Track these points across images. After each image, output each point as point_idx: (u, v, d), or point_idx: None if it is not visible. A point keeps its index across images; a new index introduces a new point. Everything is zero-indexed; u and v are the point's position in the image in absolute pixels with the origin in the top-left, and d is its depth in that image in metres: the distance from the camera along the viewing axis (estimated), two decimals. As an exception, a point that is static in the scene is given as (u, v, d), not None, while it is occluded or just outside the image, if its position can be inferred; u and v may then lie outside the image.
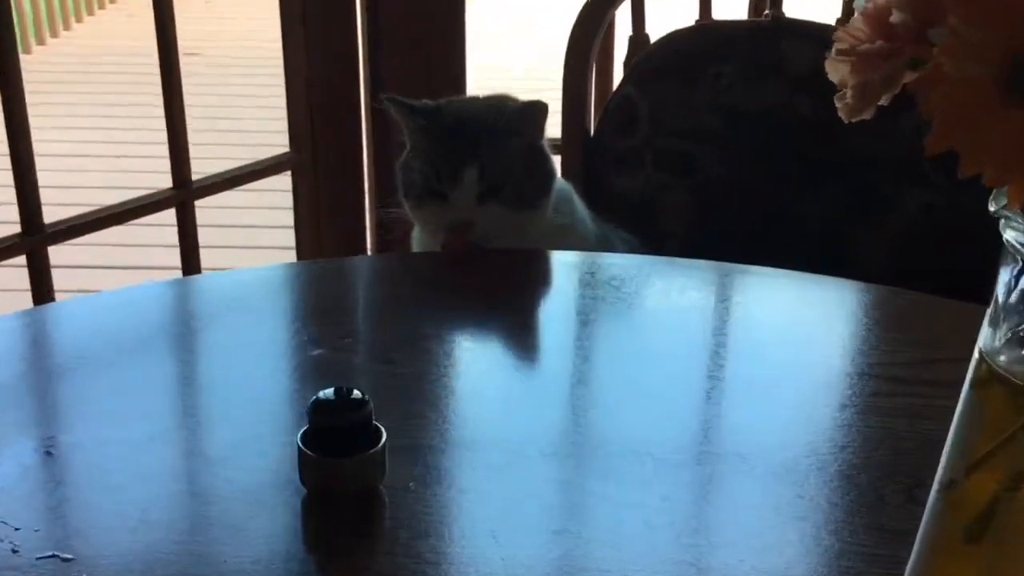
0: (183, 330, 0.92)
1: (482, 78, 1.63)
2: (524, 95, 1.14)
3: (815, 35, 1.38)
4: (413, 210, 1.12)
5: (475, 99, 1.18)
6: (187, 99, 1.64)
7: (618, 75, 1.60)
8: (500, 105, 1.13)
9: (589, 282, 1.02)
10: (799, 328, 0.94)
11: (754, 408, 0.81)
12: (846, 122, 0.48)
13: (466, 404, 0.82)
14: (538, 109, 1.11)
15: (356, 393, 0.71)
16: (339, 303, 0.99)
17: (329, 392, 0.71)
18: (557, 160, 1.26)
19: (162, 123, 1.62)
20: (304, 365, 0.85)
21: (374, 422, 0.70)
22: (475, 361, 0.90)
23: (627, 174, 1.43)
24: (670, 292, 1.01)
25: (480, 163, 1.09)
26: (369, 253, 1.95)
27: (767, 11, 1.42)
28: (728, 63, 1.39)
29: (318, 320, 0.93)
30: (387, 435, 0.69)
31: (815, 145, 1.38)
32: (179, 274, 1.67)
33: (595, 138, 1.45)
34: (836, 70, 0.48)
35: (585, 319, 0.96)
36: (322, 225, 1.89)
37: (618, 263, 1.06)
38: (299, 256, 1.92)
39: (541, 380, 0.86)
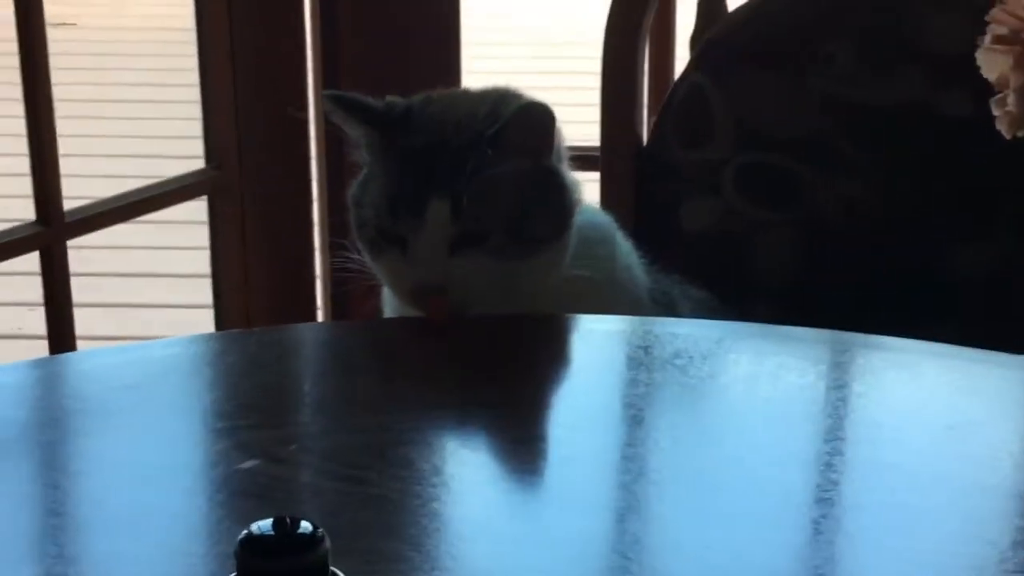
0: (52, 436, 0.94)
1: (487, 69, 1.65)
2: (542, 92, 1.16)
3: (965, 3, 1.40)
4: (371, 259, 1.13)
5: (462, 95, 1.19)
6: (57, 91, 1.67)
7: (681, 58, 1.62)
8: (493, 107, 1.13)
9: (642, 361, 1.03)
10: (954, 430, 0.95)
11: (886, 546, 0.82)
12: (1007, 137, 0.50)
13: (464, 542, 0.83)
14: (538, 113, 1.11)
15: (305, 525, 0.72)
16: (279, 393, 1.01)
17: (266, 524, 0.72)
18: (589, 181, 1.28)
19: (17, 126, 1.65)
20: (230, 483, 0.86)
21: (331, 568, 0.71)
22: (476, 479, 0.91)
23: (697, 201, 1.44)
24: (760, 376, 1.02)
25: (452, 194, 1.07)
26: (320, 318, 1.96)
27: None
28: (843, 41, 1.41)
29: (250, 418, 0.94)
30: (350, 587, 0.70)
31: (971, 160, 1.39)
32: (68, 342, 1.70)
33: (650, 148, 1.47)
34: (992, 64, 0.50)
35: (636, 416, 0.97)
36: (251, 274, 1.91)
37: (684, 333, 1.07)
38: (219, 319, 1.93)
39: (573, 508, 0.87)
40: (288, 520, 0.73)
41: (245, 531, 0.71)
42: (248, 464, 0.87)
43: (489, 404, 0.98)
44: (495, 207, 1.09)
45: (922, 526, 0.84)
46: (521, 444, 0.94)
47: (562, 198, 1.13)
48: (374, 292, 1.18)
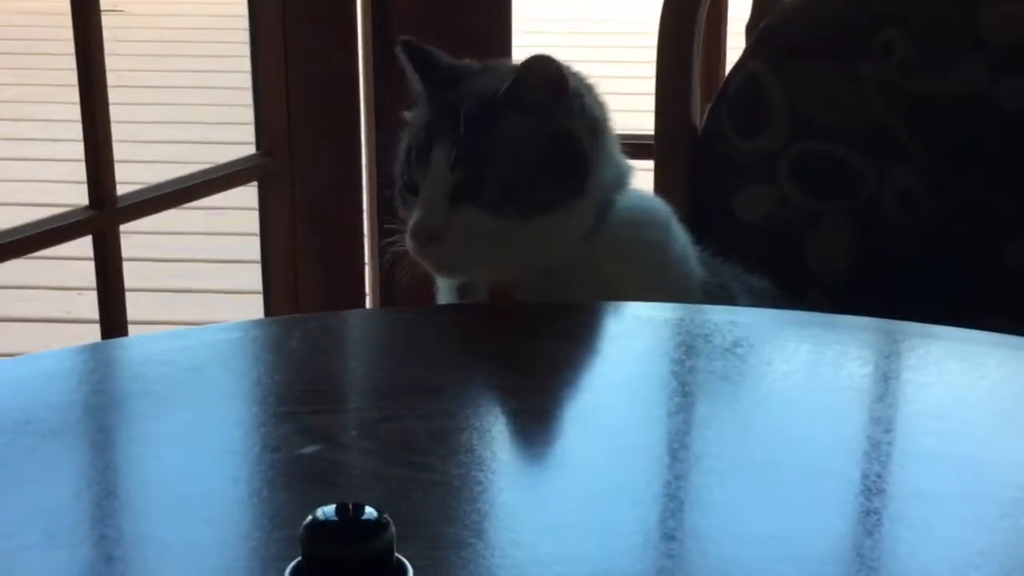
0: (113, 420, 0.94)
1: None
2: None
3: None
4: (402, 216, 1.15)
5: (499, 65, 1.20)
6: (108, 77, 1.67)
7: (734, 47, 1.62)
8: (512, 71, 1.14)
9: (702, 350, 1.03)
10: (1012, 422, 0.94)
11: (951, 537, 0.81)
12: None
13: (526, 527, 0.83)
14: (540, 64, 1.10)
15: (370, 511, 0.72)
16: (340, 379, 1.01)
17: (330, 510, 0.71)
18: (643, 170, 1.27)
19: (72, 112, 1.66)
20: (292, 468, 0.86)
21: (396, 555, 0.71)
22: (535, 466, 0.90)
23: (753, 191, 1.44)
24: (820, 365, 1.02)
25: (453, 143, 1.09)
26: (368, 304, 1.96)
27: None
28: (900, 28, 1.40)
29: (311, 403, 0.94)
30: (415, 573, 0.70)
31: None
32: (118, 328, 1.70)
33: (705, 137, 1.46)
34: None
35: (695, 405, 0.97)
36: (300, 260, 1.92)
37: (744, 321, 1.07)
38: (268, 303, 1.94)
39: (631, 498, 0.86)
40: (352, 507, 0.73)
41: (310, 516, 0.71)
42: (310, 449, 0.87)
43: (548, 390, 0.98)
44: (493, 161, 1.10)
45: (987, 518, 0.83)
46: (579, 433, 0.94)
47: (575, 163, 1.12)
48: (422, 278, 1.18)
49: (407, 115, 1.18)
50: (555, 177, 1.12)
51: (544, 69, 1.11)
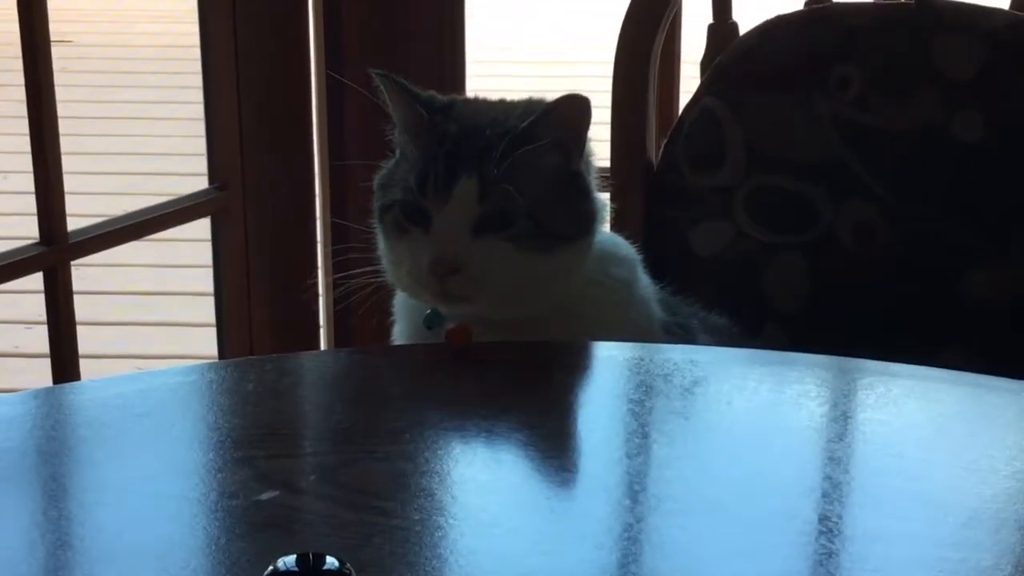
0: (66, 466, 0.93)
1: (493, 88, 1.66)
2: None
3: (978, 24, 1.40)
4: (388, 242, 1.15)
5: (498, 100, 1.21)
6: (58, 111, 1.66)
7: (687, 80, 1.62)
8: (528, 106, 1.16)
9: (661, 389, 1.03)
10: (971, 461, 0.94)
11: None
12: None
13: (487, 573, 0.82)
14: (579, 101, 1.12)
15: (331, 561, 0.71)
16: (298, 422, 1.00)
17: (291, 560, 0.71)
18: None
19: (19, 144, 1.65)
20: (249, 516, 0.85)
21: (357, 604, 0.70)
22: (497, 510, 0.90)
23: (709, 225, 1.44)
24: (781, 404, 1.02)
25: (481, 174, 1.10)
26: (323, 338, 1.95)
27: (910, -14, 1.44)
28: (855, 63, 1.41)
29: (266, 448, 0.93)
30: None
31: (989, 184, 1.39)
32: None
33: (661, 171, 1.46)
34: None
35: (656, 445, 0.97)
36: (254, 294, 1.91)
37: (704, 360, 1.07)
38: (221, 338, 1.92)
39: (592, 541, 0.86)
40: (312, 556, 0.73)
41: (271, 567, 0.70)
42: (267, 495, 0.87)
43: (509, 433, 0.97)
44: (522, 194, 1.11)
45: (949, 560, 0.83)
46: (541, 475, 0.94)
47: (586, 202, 1.16)
48: (377, 310, 1.18)
49: (395, 144, 1.18)
50: (572, 213, 1.15)
51: (579, 108, 1.13)
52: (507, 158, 1.10)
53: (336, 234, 1.88)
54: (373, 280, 1.15)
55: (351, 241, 1.20)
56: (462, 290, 1.11)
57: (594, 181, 1.19)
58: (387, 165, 1.19)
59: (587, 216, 1.15)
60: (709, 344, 1.19)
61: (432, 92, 1.18)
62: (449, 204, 1.10)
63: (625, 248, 1.22)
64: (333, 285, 1.84)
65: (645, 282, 1.21)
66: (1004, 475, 0.92)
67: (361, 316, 1.20)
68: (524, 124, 1.12)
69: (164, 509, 0.87)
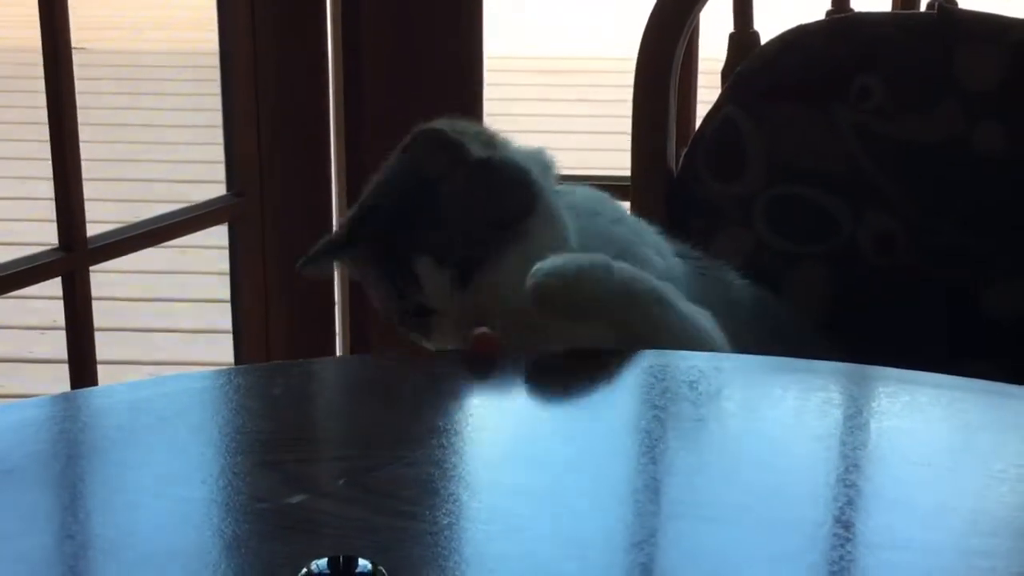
0: (95, 471, 0.93)
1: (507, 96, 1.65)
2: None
3: (1001, 35, 1.40)
4: (419, 336, 1.17)
5: (376, 183, 1.21)
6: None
7: (707, 90, 1.62)
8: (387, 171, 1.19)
9: (687, 396, 1.03)
10: (999, 470, 0.94)
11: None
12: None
13: (521, 575, 0.82)
14: (422, 139, 1.15)
15: (363, 563, 0.71)
16: (326, 426, 1.00)
17: (323, 563, 0.71)
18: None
19: (39, 150, 1.65)
20: (279, 519, 0.85)
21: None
22: (523, 513, 0.90)
23: (729, 234, 1.44)
24: (804, 412, 1.02)
25: (426, 250, 1.12)
26: (339, 345, 1.95)
27: (932, -1, 1.44)
28: (877, 74, 1.41)
29: (294, 452, 0.93)
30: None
31: (1011, 196, 1.39)
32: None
33: (681, 180, 1.46)
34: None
35: (683, 452, 0.96)
36: (271, 300, 1.91)
37: (729, 367, 1.07)
38: (238, 345, 1.93)
39: (617, 546, 0.86)
40: (344, 559, 0.73)
41: (304, 570, 0.71)
42: (296, 499, 0.86)
43: (535, 438, 0.98)
44: (461, 233, 1.12)
45: (977, 569, 0.83)
46: (569, 480, 0.93)
47: (513, 186, 1.15)
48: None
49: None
50: (504, 195, 1.15)
51: (425, 139, 1.16)
52: (417, 223, 1.13)
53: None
54: None
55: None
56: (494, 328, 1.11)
57: (503, 150, 1.18)
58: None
59: (521, 184, 1.15)
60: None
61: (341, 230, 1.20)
62: (427, 287, 1.12)
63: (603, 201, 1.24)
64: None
65: (660, 249, 1.22)
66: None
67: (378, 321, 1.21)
68: (417, 181, 1.14)
69: (193, 512, 0.87)
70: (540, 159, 1.21)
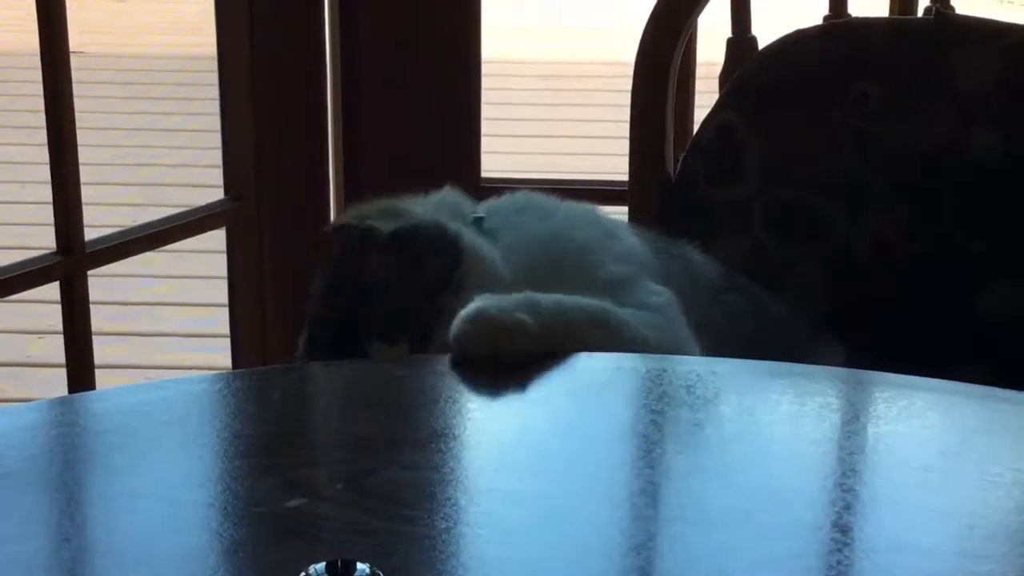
0: (93, 474, 0.93)
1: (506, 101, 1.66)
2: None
3: (996, 40, 1.40)
4: None
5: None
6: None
7: (704, 94, 1.62)
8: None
9: (684, 400, 1.03)
10: (996, 474, 0.94)
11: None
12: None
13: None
14: (335, 238, 1.18)
15: (362, 567, 0.71)
16: (325, 430, 1.00)
17: (321, 567, 0.71)
18: (617, 215, 1.29)
19: (37, 155, 1.65)
20: (276, 523, 0.85)
21: (388, 611, 0.70)
22: (521, 517, 0.90)
23: (727, 238, 1.44)
24: (801, 416, 1.02)
25: (372, 333, 1.14)
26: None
27: (929, 1, 1.44)
28: (873, 78, 1.41)
29: (292, 456, 0.93)
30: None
31: (1005, 199, 1.39)
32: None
33: (678, 185, 1.46)
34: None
35: (675, 454, 0.96)
36: (268, 305, 1.91)
37: (726, 372, 1.07)
38: (235, 349, 1.93)
39: (614, 550, 0.86)
40: (342, 563, 0.73)
41: (302, 574, 0.70)
42: (294, 503, 0.86)
43: (533, 442, 0.98)
44: (403, 306, 1.15)
45: (976, 573, 0.83)
46: (565, 484, 0.93)
47: (425, 239, 1.16)
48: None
49: None
50: (432, 269, 1.16)
51: (337, 238, 1.19)
52: (361, 317, 1.16)
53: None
54: None
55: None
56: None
57: (413, 215, 1.19)
58: None
59: (438, 240, 1.16)
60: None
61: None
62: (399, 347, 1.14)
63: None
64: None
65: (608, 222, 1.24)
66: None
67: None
68: (352, 275, 1.17)
69: (191, 516, 0.87)
70: (448, 202, 1.22)
